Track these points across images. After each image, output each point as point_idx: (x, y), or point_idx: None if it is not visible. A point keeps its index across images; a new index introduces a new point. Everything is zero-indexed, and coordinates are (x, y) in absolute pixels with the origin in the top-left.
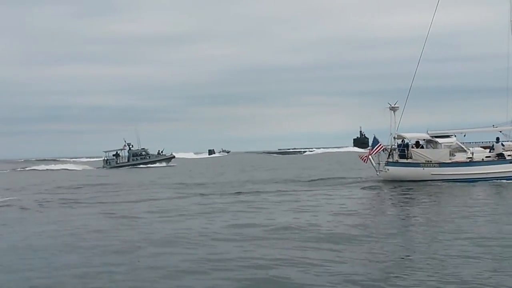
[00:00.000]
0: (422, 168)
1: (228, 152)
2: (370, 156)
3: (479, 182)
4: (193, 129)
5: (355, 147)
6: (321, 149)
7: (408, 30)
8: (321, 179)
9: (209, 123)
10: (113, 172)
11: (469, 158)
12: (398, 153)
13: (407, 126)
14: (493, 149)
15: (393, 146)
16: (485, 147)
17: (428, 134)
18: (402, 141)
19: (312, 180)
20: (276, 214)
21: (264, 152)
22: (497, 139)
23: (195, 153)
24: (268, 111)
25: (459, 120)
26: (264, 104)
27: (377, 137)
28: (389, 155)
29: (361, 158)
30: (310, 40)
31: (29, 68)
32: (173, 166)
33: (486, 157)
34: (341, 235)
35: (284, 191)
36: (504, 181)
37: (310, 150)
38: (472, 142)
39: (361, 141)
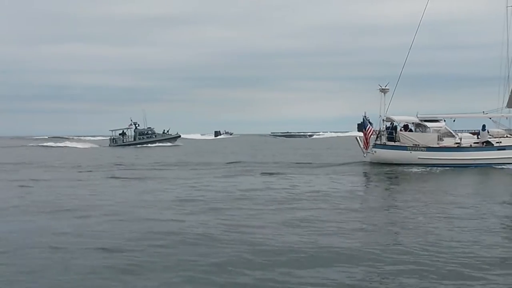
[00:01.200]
0: (410, 151)
1: (231, 134)
2: (367, 142)
3: (466, 167)
4: (193, 111)
5: (360, 132)
6: (328, 133)
7: (408, 17)
8: (308, 163)
9: (209, 105)
10: (128, 150)
11: (457, 143)
12: (387, 135)
13: (398, 111)
14: (479, 137)
15: (381, 129)
16: (474, 133)
17: (417, 117)
18: (391, 123)
19: (298, 163)
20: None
21: (271, 135)
22: (483, 126)
23: (202, 134)
24: (267, 95)
25: (452, 108)
26: (263, 88)
27: (366, 119)
28: (377, 137)
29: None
30: (310, 25)
31: (29, 48)
32: (179, 146)
33: (474, 143)
34: None
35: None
36: (491, 167)
37: (318, 134)
38: (464, 130)
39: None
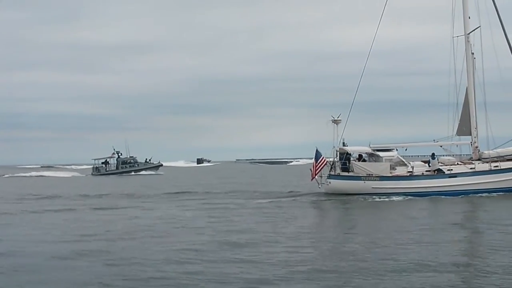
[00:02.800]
0: (363, 181)
1: (209, 161)
2: (315, 173)
3: (419, 196)
4: (157, 139)
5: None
6: (304, 159)
7: (386, 43)
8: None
9: (172, 133)
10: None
11: (409, 172)
12: (341, 166)
13: (352, 138)
14: (430, 165)
15: (335, 159)
16: (425, 161)
17: (370, 147)
18: (345, 154)
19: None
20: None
21: (251, 161)
22: (433, 155)
23: (185, 162)
24: (231, 122)
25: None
26: (226, 115)
27: (319, 149)
28: (331, 168)
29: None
30: (273, 52)
31: None
32: (160, 174)
33: (426, 171)
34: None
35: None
36: (443, 196)
37: (297, 160)
38: (413, 156)
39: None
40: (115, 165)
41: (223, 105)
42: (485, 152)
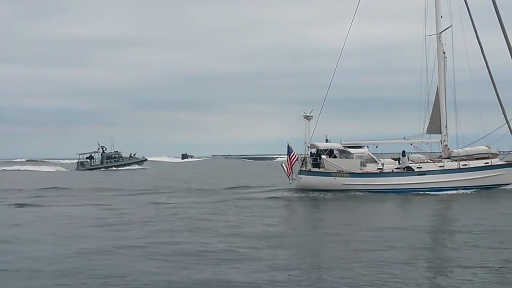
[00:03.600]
0: (334, 177)
1: (192, 156)
2: (291, 168)
3: (388, 193)
4: (138, 134)
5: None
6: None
7: (360, 42)
8: (235, 187)
9: (152, 128)
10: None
11: (379, 169)
12: (312, 162)
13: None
14: (400, 162)
15: (306, 155)
16: (395, 159)
17: (341, 144)
18: (316, 150)
19: (226, 188)
20: None
21: (238, 157)
22: (403, 152)
23: (168, 157)
24: (211, 118)
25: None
26: (207, 111)
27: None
28: (302, 163)
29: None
30: (255, 48)
31: None
32: (145, 169)
33: (396, 168)
34: None
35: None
36: (413, 191)
37: (282, 156)
38: (388, 153)
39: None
40: (100, 159)
41: (204, 101)
42: (454, 150)
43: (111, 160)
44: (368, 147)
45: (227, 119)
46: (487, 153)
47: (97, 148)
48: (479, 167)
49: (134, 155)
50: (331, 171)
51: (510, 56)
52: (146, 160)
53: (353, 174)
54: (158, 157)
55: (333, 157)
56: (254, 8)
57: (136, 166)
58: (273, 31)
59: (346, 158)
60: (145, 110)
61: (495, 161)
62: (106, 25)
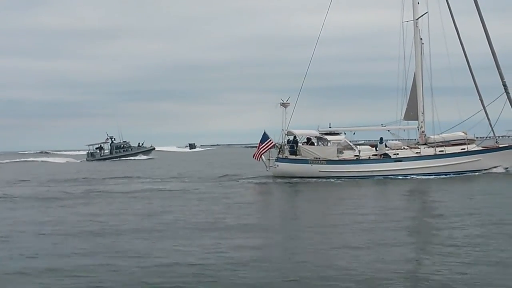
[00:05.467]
0: (311, 164)
1: (190, 146)
2: (262, 155)
3: (365, 179)
4: (120, 125)
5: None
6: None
7: (338, 29)
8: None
9: (137, 119)
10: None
11: (356, 156)
12: (288, 149)
13: (304, 123)
14: (377, 149)
15: (283, 142)
16: (373, 146)
17: (318, 131)
18: (293, 137)
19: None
20: None
21: (246, 146)
22: (381, 139)
23: (178, 147)
24: (197, 108)
25: (359, 119)
26: (192, 101)
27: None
28: (279, 151)
29: (253, 156)
30: (240, 37)
31: None
32: (153, 158)
33: (373, 155)
34: None
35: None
36: (389, 178)
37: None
38: (365, 140)
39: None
40: (109, 150)
41: (189, 91)
42: (431, 137)
43: (120, 150)
44: (345, 134)
45: (212, 109)
46: (464, 139)
47: (105, 139)
48: (456, 153)
49: (142, 144)
50: (308, 159)
51: (487, 43)
52: (154, 149)
53: (329, 161)
54: (167, 147)
55: (310, 144)
56: None
57: (144, 156)
58: (259, 19)
59: (323, 145)
60: (130, 101)
61: (472, 147)
62: (89, 16)
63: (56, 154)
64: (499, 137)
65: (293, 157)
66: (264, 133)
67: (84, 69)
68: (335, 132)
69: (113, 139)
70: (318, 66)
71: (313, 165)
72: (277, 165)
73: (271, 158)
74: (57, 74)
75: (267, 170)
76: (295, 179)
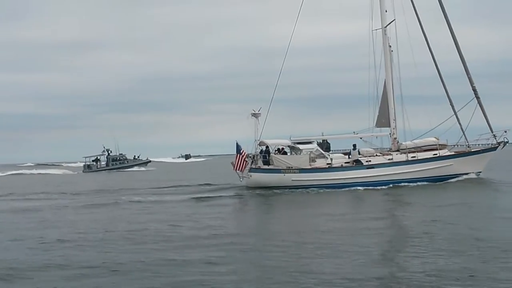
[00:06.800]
0: (283, 174)
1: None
2: (243, 166)
3: (338, 188)
4: (99, 136)
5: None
6: None
7: (323, 39)
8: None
9: (117, 131)
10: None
11: (328, 164)
12: (261, 159)
13: (277, 134)
14: (351, 156)
15: (256, 152)
16: (345, 153)
17: (290, 140)
18: (265, 147)
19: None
20: None
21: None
22: (354, 146)
23: (173, 158)
24: (179, 119)
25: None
26: (175, 112)
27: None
28: (252, 161)
29: (234, 168)
30: (220, 48)
31: None
32: (151, 170)
33: (345, 163)
34: None
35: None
36: (360, 188)
37: None
38: (340, 150)
39: (323, 146)
40: (106, 162)
41: (169, 102)
42: (403, 143)
43: (117, 163)
44: (317, 142)
45: (193, 120)
46: (436, 145)
47: (102, 151)
48: (427, 158)
49: (138, 157)
50: (280, 168)
51: (455, 49)
52: (150, 161)
53: (302, 170)
54: (164, 158)
55: (283, 154)
56: (219, 7)
57: (142, 168)
58: (240, 30)
59: (296, 154)
60: (109, 113)
61: (444, 152)
62: (67, 28)
63: (54, 166)
64: (469, 144)
65: (266, 167)
66: (237, 144)
67: (63, 81)
68: (308, 141)
69: (109, 152)
70: (292, 76)
71: (286, 174)
72: (251, 175)
73: (245, 168)
74: (35, 87)
75: (241, 181)
76: (267, 189)
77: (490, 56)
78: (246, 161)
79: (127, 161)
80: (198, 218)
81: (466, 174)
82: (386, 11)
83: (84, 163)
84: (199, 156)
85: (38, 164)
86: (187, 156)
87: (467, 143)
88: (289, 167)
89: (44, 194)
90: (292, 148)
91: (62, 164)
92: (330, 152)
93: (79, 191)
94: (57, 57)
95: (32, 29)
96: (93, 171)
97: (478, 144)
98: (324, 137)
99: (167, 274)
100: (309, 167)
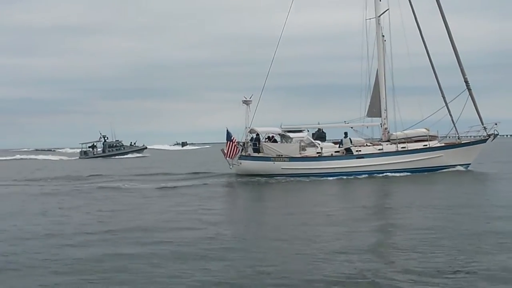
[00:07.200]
0: (273, 162)
1: (182, 144)
2: (234, 153)
3: (327, 177)
4: (95, 123)
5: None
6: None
7: (317, 28)
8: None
9: (113, 117)
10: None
11: (318, 153)
12: (252, 147)
13: (271, 121)
14: (342, 144)
15: (246, 140)
16: (336, 142)
17: (281, 128)
18: (256, 135)
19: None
20: None
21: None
22: (345, 134)
23: (170, 145)
24: (174, 106)
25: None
26: (169, 99)
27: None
28: (242, 148)
29: (225, 156)
30: (217, 35)
31: None
32: (146, 156)
33: (335, 152)
34: None
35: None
36: (351, 177)
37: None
38: (331, 140)
39: (319, 135)
40: (102, 149)
41: (166, 89)
42: (394, 133)
43: (113, 149)
44: (308, 131)
45: (190, 107)
46: (426, 136)
47: (98, 138)
48: (417, 149)
49: (135, 143)
50: (270, 156)
51: (449, 41)
52: (146, 148)
53: (292, 159)
54: (160, 145)
55: (273, 142)
56: None
57: (137, 155)
58: (233, 18)
59: (286, 142)
60: (106, 99)
61: (434, 144)
62: (65, 13)
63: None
64: (460, 136)
65: (256, 154)
66: (227, 131)
67: (59, 66)
68: (298, 129)
69: (106, 138)
70: (286, 65)
71: (275, 162)
72: (240, 163)
73: (235, 156)
74: (31, 71)
75: (230, 168)
76: (257, 176)
77: (486, 48)
78: (237, 148)
79: (124, 148)
80: (145, 207)
81: (454, 166)
82: (380, 0)
83: (80, 149)
84: (193, 144)
85: (37, 150)
86: (183, 144)
87: (457, 135)
88: (279, 155)
89: (14, 180)
90: (282, 136)
91: (62, 149)
92: (326, 140)
93: (48, 177)
94: (55, 42)
95: (31, 13)
96: (89, 157)
97: (470, 136)
98: (315, 126)
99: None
100: (299, 155)
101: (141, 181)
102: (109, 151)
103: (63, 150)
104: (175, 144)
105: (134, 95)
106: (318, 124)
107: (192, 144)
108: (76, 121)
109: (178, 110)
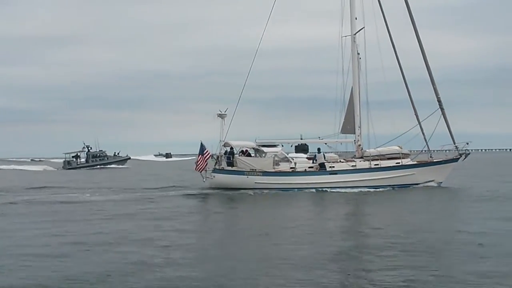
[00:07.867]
0: (247, 176)
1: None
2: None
3: (301, 191)
4: (74, 132)
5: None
6: None
7: (294, 42)
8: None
9: (90, 126)
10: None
11: (292, 168)
12: (225, 160)
13: (247, 135)
14: (316, 160)
15: (220, 153)
16: (310, 158)
17: (255, 142)
18: (230, 148)
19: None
20: None
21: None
22: (318, 149)
23: (155, 155)
24: (154, 117)
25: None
26: (149, 110)
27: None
28: (216, 162)
29: (195, 168)
30: (195, 47)
31: None
32: (128, 168)
33: (309, 167)
34: None
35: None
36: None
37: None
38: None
39: (301, 148)
40: (85, 159)
41: (144, 99)
42: (367, 150)
43: (97, 159)
44: (282, 145)
45: (169, 118)
46: (399, 153)
47: (82, 147)
48: (390, 166)
49: (118, 153)
50: (244, 170)
51: (422, 57)
52: (129, 158)
53: (265, 173)
54: (145, 156)
55: (247, 156)
56: (195, 7)
57: (119, 165)
58: (215, 29)
59: (260, 156)
60: (81, 108)
61: (406, 161)
62: (43, 22)
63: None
64: (434, 151)
65: (230, 168)
66: (201, 144)
67: (36, 76)
68: (272, 144)
69: (89, 148)
70: (262, 77)
71: (249, 176)
72: (214, 176)
73: (208, 169)
74: (7, 80)
75: (204, 181)
76: (229, 190)
77: (465, 63)
78: (207, 163)
79: (107, 158)
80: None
81: (428, 182)
82: (356, 18)
83: (64, 159)
84: (178, 155)
85: (20, 160)
86: (167, 155)
87: (430, 152)
88: (252, 169)
89: None
90: (256, 150)
91: (49, 159)
92: (308, 153)
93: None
94: (32, 51)
95: (8, 22)
96: (73, 168)
97: (446, 151)
98: (289, 141)
99: None
100: (273, 170)
101: (109, 194)
102: (92, 161)
103: (46, 160)
104: (158, 155)
105: (118, 105)
106: (301, 138)
107: (176, 155)
108: (58, 130)
109: (162, 121)
